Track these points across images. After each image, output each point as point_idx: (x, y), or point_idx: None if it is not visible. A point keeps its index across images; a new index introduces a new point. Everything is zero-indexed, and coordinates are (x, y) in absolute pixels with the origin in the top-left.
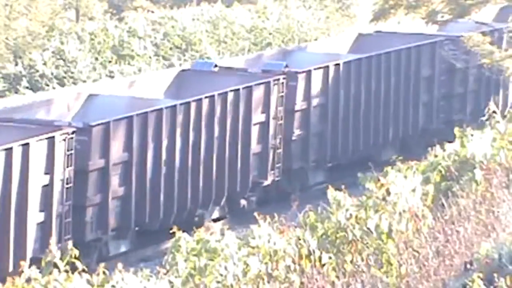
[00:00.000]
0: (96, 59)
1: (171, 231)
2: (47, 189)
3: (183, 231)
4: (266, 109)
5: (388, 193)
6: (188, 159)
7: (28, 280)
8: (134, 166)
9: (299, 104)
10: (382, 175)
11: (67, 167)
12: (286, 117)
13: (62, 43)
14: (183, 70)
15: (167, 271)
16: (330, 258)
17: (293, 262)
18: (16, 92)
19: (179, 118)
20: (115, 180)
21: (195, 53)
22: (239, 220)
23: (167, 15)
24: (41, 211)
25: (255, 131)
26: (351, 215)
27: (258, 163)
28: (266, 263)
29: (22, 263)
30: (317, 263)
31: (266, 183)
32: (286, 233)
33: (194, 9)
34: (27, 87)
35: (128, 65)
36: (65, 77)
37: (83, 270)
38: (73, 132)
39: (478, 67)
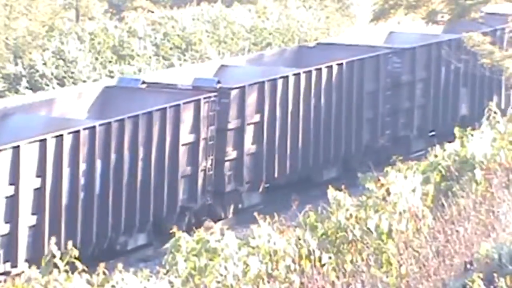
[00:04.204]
0: (96, 59)
1: (170, 231)
2: None
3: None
4: (195, 128)
5: (388, 193)
6: (109, 183)
7: (28, 280)
8: (48, 192)
9: (232, 123)
10: (382, 175)
11: None
12: (218, 136)
13: (62, 43)
14: (107, 87)
15: (167, 271)
16: (330, 258)
17: (293, 262)
18: (16, 92)
19: (99, 139)
20: (26, 208)
21: (195, 53)
22: (239, 220)
23: (167, 15)
24: None
25: (183, 152)
26: (351, 215)
27: (187, 186)
28: (266, 263)
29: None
30: (317, 263)
31: (195, 207)
32: (286, 233)
33: (194, 9)
34: (27, 87)
35: (128, 65)
36: (65, 77)
37: (83, 270)
38: None
39: (425, 80)
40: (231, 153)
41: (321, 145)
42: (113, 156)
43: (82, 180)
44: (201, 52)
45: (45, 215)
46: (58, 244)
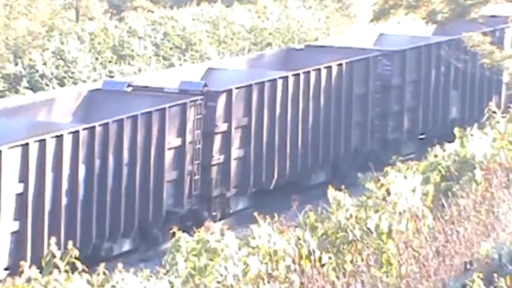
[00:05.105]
0: (96, 59)
1: (171, 231)
2: None
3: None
4: (182, 132)
5: (388, 193)
6: (93, 189)
7: (28, 280)
8: (31, 197)
9: (219, 127)
10: (382, 175)
11: None
12: (204, 140)
13: (62, 43)
14: (92, 90)
15: (167, 271)
16: (330, 258)
17: (293, 262)
18: (16, 92)
19: (83, 144)
20: (8, 214)
21: (195, 53)
22: (239, 220)
23: (167, 15)
24: None
25: (169, 156)
26: (351, 215)
27: (173, 190)
28: (266, 263)
29: (22, 263)
30: (317, 263)
31: (182, 212)
32: (286, 233)
33: (194, 9)
34: (27, 87)
35: (128, 65)
36: (65, 77)
37: (83, 270)
38: None
39: (415, 83)
40: (218, 157)
41: (309, 149)
42: (97, 161)
43: (65, 185)
44: (201, 52)
45: (28, 221)
46: (40, 251)
